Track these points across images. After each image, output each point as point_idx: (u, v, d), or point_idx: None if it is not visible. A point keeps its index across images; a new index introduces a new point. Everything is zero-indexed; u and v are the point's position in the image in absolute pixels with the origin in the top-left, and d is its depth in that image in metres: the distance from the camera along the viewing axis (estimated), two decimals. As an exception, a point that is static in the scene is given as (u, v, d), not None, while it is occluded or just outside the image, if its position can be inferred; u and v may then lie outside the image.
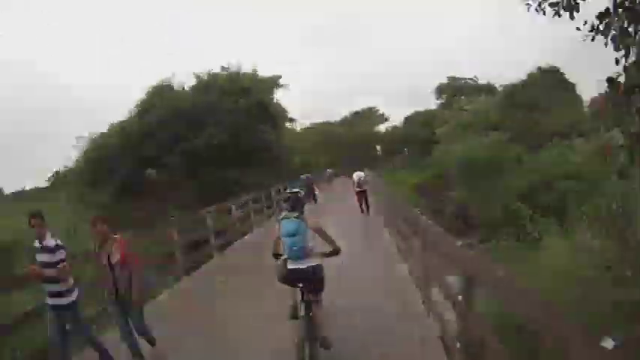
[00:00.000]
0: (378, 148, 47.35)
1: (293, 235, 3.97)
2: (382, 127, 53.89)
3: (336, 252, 4.26)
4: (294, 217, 4.06)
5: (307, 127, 45.04)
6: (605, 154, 14.28)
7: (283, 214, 4.19)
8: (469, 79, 45.92)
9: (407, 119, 50.80)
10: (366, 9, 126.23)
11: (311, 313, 4.00)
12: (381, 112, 54.41)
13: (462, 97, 39.42)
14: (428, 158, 33.72)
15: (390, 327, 4.83)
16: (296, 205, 4.16)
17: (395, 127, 52.64)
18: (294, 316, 4.20)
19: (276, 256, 4.27)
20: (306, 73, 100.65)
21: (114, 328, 4.75)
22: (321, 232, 4.17)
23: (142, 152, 22.64)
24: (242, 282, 7.31)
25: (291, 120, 30.40)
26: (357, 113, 54.09)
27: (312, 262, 4.06)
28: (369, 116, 53.65)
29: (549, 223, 13.75)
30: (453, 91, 44.38)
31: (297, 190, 4.63)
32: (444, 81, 46.79)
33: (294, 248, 3.99)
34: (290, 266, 4.04)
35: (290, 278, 4.06)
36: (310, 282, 4.04)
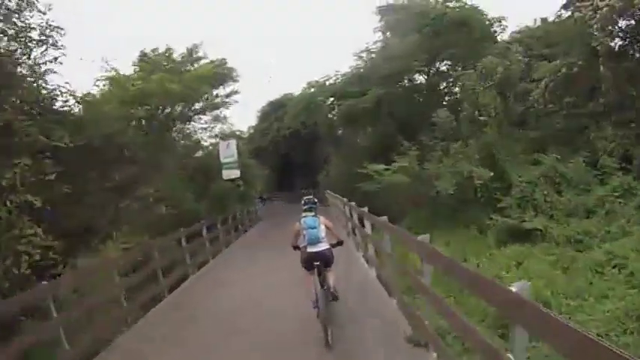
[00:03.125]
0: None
1: (313, 227, 5.57)
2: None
3: (340, 243, 5.98)
4: (312, 216, 5.70)
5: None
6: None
7: (304, 214, 5.75)
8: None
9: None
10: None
11: (325, 286, 5.47)
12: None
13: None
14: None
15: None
16: (313, 207, 5.80)
17: None
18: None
19: (295, 247, 5.82)
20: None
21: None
22: (330, 228, 5.83)
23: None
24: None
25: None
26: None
27: (324, 246, 5.64)
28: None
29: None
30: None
31: (311, 196, 6.13)
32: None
33: (313, 237, 5.55)
34: (309, 250, 5.57)
35: (310, 258, 5.53)
36: (324, 259, 5.56)
